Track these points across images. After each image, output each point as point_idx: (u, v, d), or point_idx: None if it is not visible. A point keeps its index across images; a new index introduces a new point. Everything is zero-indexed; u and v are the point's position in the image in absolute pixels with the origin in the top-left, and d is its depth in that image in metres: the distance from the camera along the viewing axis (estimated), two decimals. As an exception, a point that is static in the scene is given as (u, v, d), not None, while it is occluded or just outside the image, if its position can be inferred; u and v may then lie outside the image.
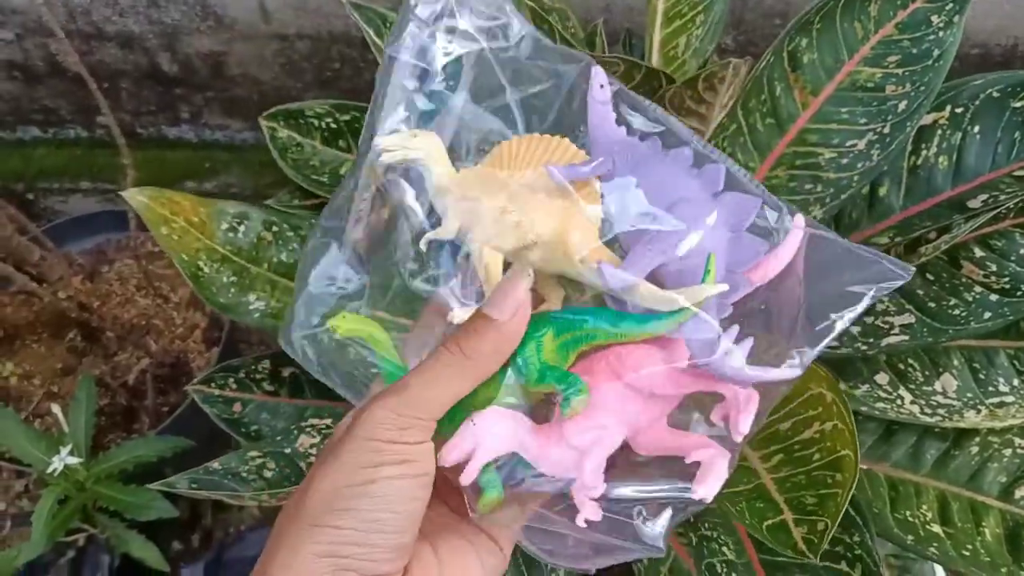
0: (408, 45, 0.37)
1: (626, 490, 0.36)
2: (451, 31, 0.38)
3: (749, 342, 0.34)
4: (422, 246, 0.38)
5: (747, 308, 0.36)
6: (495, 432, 0.34)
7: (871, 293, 0.35)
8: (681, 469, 0.36)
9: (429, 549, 0.36)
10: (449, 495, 0.39)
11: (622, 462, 0.37)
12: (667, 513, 0.36)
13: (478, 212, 0.36)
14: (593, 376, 0.35)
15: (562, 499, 0.37)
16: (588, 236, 0.35)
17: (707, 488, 0.35)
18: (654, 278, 0.35)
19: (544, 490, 0.36)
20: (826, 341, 0.35)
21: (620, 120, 0.37)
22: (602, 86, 0.36)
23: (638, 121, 0.37)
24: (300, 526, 0.32)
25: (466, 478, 0.34)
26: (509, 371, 0.35)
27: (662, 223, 0.35)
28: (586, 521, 0.35)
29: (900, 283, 0.35)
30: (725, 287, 0.34)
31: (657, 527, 0.36)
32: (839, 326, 0.35)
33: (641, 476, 0.36)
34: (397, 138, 0.37)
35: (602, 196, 0.36)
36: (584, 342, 0.35)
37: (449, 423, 0.35)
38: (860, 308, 0.35)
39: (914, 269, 0.36)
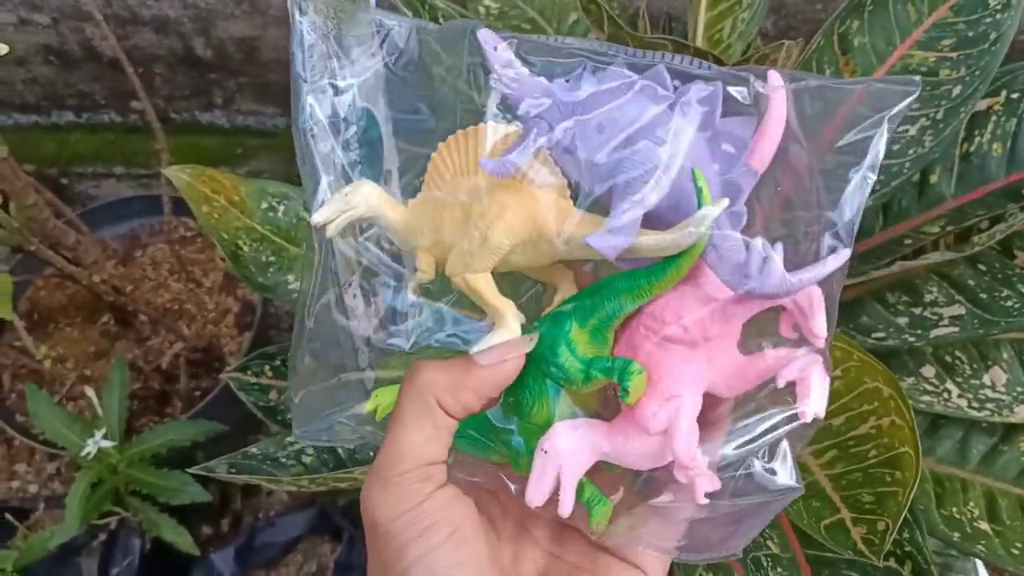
0: (316, 110, 0.33)
1: (730, 448, 0.32)
2: (341, 70, 0.34)
3: (779, 247, 0.30)
4: (411, 295, 0.34)
5: (764, 203, 0.32)
6: (571, 450, 0.31)
7: (883, 129, 0.30)
8: (774, 397, 0.32)
9: None
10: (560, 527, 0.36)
11: (713, 418, 0.33)
12: (784, 446, 0.32)
13: (444, 241, 0.33)
14: (639, 348, 0.31)
15: (680, 487, 0.33)
16: (564, 213, 0.32)
17: (813, 402, 0.30)
18: (651, 222, 0.31)
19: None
20: (859, 205, 0.31)
21: (533, 72, 0.32)
22: (496, 48, 0.31)
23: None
24: None
25: (565, 509, 0.31)
26: (549, 385, 0.32)
27: (627, 163, 0.30)
28: (707, 495, 0.31)
29: (908, 100, 0.30)
30: (726, 202, 0.30)
31: (783, 465, 0.32)
32: (862, 180, 0.31)
33: (742, 421, 0.32)
34: (329, 208, 0.33)
35: (553, 160, 0.32)
36: (614, 319, 0.32)
37: (517, 460, 0.33)
38: (879, 147, 0.31)
39: (919, 79, 0.31)
